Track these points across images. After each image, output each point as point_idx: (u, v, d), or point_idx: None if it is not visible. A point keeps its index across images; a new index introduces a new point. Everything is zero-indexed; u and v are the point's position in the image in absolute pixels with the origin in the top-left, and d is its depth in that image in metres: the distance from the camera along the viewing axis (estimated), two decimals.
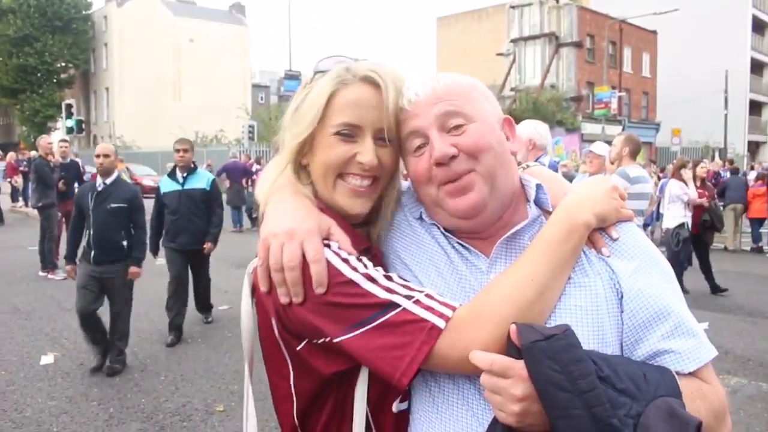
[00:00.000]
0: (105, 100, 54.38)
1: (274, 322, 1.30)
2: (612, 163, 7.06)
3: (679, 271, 10.02)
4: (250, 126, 30.64)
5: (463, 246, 1.37)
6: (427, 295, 1.23)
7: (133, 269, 6.30)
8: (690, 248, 10.05)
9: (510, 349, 1.14)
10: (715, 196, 12.26)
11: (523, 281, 1.21)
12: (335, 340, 1.22)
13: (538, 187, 1.39)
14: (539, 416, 1.10)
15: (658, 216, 12.58)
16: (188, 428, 4.85)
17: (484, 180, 1.30)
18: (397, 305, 1.21)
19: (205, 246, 7.42)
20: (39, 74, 48.27)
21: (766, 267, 13.18)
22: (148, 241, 6.88)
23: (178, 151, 7.36)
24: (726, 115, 39.38)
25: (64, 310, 8.46)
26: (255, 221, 10.55)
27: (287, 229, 1.27)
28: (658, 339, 1.22)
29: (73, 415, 5.07)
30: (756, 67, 54.65)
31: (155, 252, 7.59)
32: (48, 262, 11.03)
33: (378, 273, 1.27)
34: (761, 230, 15.43)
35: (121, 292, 6.26)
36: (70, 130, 21.67)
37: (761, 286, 10.94)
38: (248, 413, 1.42)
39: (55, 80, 50.47)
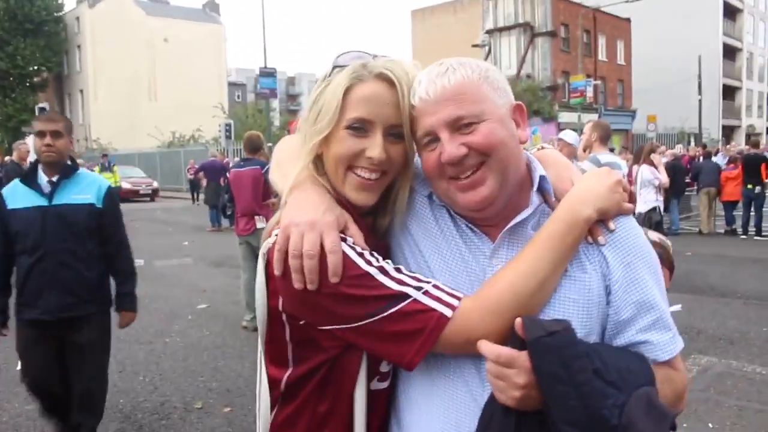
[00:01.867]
0: (80, 103, 53.80)
1: (280, 302, 1.37)
2: (584, 151, 7.15)
3: None
4: (227, 125, 30.49)
5: (470, 228, 1.43)
6: (435, 286, 1.33)
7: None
8: (663, 231, 10.23)
9: (514, 340, 1.25)
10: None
11: (526, 275, 1.31)
12: (346, 327, 1.32)
13: (542, 178, 1.44)
14: (536, 400, 1.22)
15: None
16: (167, 426, 4.87)
17: (495, 175, 1.35)
18: (408, 296, 1.31)
19: (120, 318, 4.44)
20: (11, 78, 47.65)
21: (740, 249, 13.39)
22: None
23: (41, 135, 3.87)
24: (700, 101, 39.81)
25: None
26: (231, 218, 10.47)
27: (309, 220, 1.34)
28: (638, 331, 1.35)
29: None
30: (728, 52, 55.37)
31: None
32: None
33: (389, 266, 1.35)
34: (734, 213, 15.65)
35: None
36: None
37: (734, 268, 11.12)
38: (261, 390, 1.48)
39: (28, 84, 49.83)
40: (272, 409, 1.47)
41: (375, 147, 1.38)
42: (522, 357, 1.22)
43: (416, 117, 1.38)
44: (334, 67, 1.44)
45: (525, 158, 1.47)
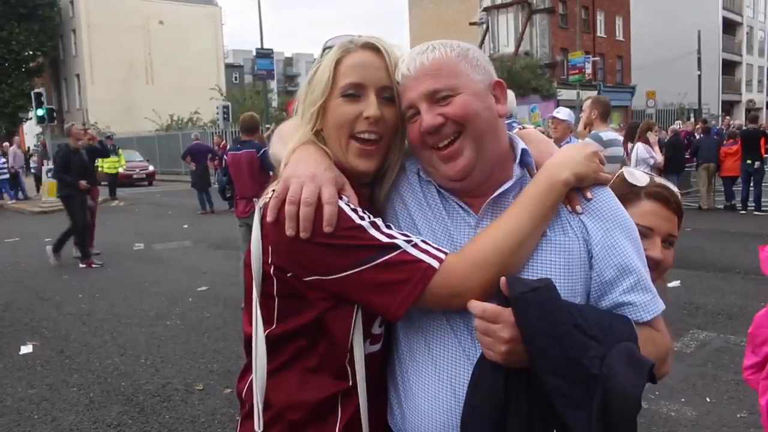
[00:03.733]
0: (76, 87, 53.48)
1: (269, 252, 1.40)
2: (585, 128, 7.08)
3: None
4: (224, 107, 30.34)
5: (455, 202, 1.51)
6: (423, 241, 1.39)
7: None
8: None
9: (499, 297, 1.31)
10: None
11: (507, 231, 1.37)
12: (334, 277, 1.35)
13: (524, 151, 1.52)
14: (522, 355, 1.28)
15: None
16: (168, 408, 4.91)
17: (471, 145, 1.43)
18: (398, 247, 1.35)
19: None
20: (6, 64, 47.19)
21: (739, 224, 13.40)
22: None
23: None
24: (699, 76, 39.53)
25: (43, 300, 8.46)
26: (230, 201, 10.46)
27: (310, 173, 1.39)
28: (621, 293, 1.41)
29: (54, 402, 5.11)
30: (728, 26, 54.93)
31: None
32: (82, 253, 10.74)
33: (380, 222, 1.40)
34: (734, 188, 15.64)
35: None
36: (41, 119, 21.33)
37: (733, 243, 11.13)
38: (258, 344, 1.47)
39: (23, 69, 49.32)
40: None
41: (370, 106, 1.45)
42: (506, 312, 1.29)
43: (401, 92, 1.47)
44: (325, 48, 1.54)
45: (507, 135, 1.54)
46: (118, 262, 10.89)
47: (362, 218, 1.37)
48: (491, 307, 1.30)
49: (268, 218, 1.38)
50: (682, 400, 4.73)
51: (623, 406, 1.23)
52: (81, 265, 10.59)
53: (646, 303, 1.42)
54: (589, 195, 1.46)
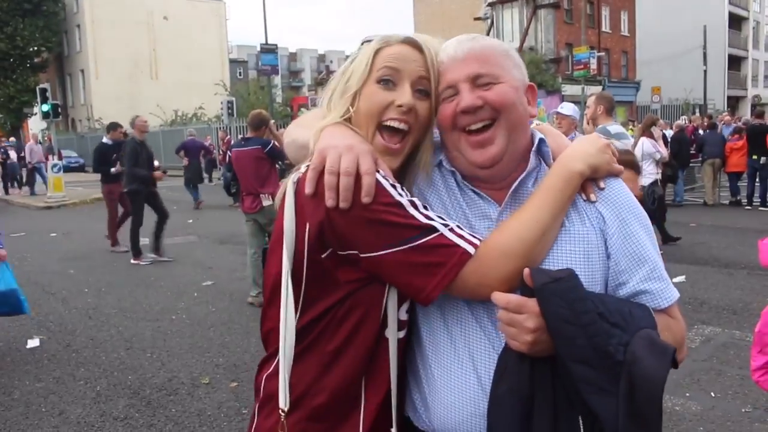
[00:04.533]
0: (81, 83, 53.59)
1: (307, 228, 1.38)
2: (589, 124, 7.10)
3: (660, 226, 10.23)
4: (229, 102, 30.34)
5: (476, 194, 1.52)
6: (458, 226, 1.40)
7: None
8: (665, 204, 10.25)
9: (523, 289, 1.35)
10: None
11: (529, 222, 1.39)
12: (372, 255, 1.35)
13: (541, 140, 1.55)
14: (547, 344, 1.31)
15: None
16: (174, 401, 4.94)
17: (504, 133, 1.46)
18: (436, 230, 1.35)
19: None
20: (11, 59, 47.32)
21: (744, 220, 13.37)
22: None
23: None
24: (705, 71, 39.44)
25: (49, 294, 8.51)
26: (236, 196, 10.45)
27: (347, 144, 1.38)
28: (638, 281, 1.45)
29: (61, 395, 5.14)
30: (734, 21, 54.66)
31: None
32: (133, 249, 10.58)
33: (418, 202, 1.40)
34: (739, 183, 15.60)
35: None
36: (46, 115, 21.36)
37: (738, 239, 11.10)
38: (287, 330, 1.43)
39: (28, 65, 49.46)
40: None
41: (404, 94, 1.45)
42: (531, 302, 1.31)
43: (441, 72, 1.49)
44: (363, 42, 1.55)
45: (530, 134, 1.57)
46: (125, 257, 10.92)
47: (401, 195, 1.37)
48: (515, 297, 1.33)
49: (307, 190, 1.36)
50: (687, 394, 4.74)
51: (649, 390, 1.26)
52: (132, 261, 10.44)
53: (662, 291, 1.45)
54: (603, 185, 1.50)
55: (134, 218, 10.58)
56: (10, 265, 5.98)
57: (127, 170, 10.34)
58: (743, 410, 4.48)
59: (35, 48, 48.84)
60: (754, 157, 14.77)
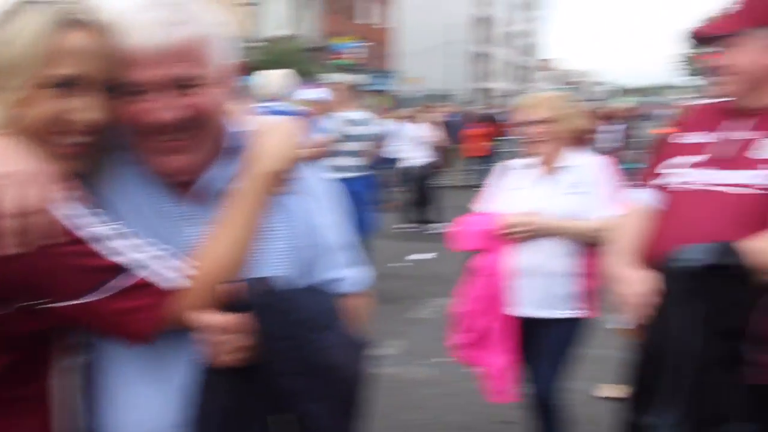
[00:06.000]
0: None
1: None
2: (335, 110, 7.32)
3: (424, 208, 10.97)
4: None
5: (163, 192, 1.35)
6: (154, 257, 1.24)
7: None
8: (431, 186, 11.12)
9: (230, 305, 1.26)
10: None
11: (230, 239, 1.30)
12: (64, 304, 1.16)
13: (233, 135, 1.41)
14: (254, 358, 1.26)
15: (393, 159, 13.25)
16: None
17: (199, 143, 1.30)
18: (127, 269, 1.19)
19: None
20: None
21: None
22: None
23: None
24: (453, 66, 42.67)
25: None
26: None
27: (6, 172, 1.10)
28: (335, 268, 1.48)
29: None
30: (481, 20, 59.98)
31: None
32: None
33: (104, 230, 1.20)
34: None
35: None
36: None
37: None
38: None
39: None
40: None
41: (85, 108, 1.19)
42: (236, 320, 1.24)
43: (127, 64, 1.22)
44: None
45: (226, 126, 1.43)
46: None
47: (83, 227, 1.16)
48: (217, 317, 1.24)
49: None
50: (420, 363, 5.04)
51: (349, 386, 1.34)
52: None
53: (352, 277, 1.52)
54: (296, 176, 1.44)
55: None
56: None
57: None
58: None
59: None
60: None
